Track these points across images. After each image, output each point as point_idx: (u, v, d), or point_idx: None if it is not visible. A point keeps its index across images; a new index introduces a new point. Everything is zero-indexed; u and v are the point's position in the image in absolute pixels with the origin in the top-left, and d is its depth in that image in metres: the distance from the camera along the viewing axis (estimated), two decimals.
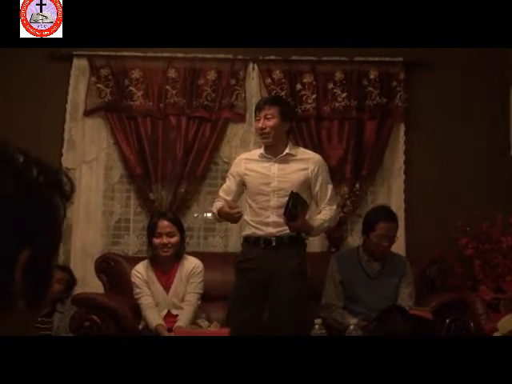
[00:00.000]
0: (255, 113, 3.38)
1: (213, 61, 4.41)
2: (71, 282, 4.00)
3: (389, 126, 4.43)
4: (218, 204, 3.37)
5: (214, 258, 4.11)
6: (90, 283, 4.18)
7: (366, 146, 4.41)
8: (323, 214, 3.33)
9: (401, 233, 4.03)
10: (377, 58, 4.41)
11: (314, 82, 4.40)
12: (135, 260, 3.81)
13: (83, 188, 4.35)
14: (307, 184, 3.31)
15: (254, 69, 4.46)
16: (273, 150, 3.33)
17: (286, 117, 3.34)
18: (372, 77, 4.41)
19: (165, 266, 3.57)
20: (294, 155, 3.33)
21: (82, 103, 4.39)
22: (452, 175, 4.44)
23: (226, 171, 4.10)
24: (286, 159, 3.32)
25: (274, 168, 3.30)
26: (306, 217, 3.22)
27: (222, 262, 3.99)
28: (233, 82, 4.40)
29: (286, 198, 3.12)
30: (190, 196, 4.40)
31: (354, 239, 4.38)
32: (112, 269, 3.98)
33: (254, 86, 4.46)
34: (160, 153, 4.35)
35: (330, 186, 3.39)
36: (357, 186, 4.37)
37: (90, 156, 4.38)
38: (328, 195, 3.35)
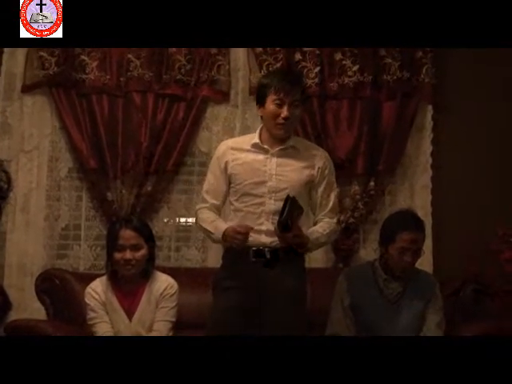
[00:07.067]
0: (271, 92, 3.17)
1: None
2: (4, 305, 4.02)
3: (412, 108, 4.40)
4: (217, 224, 3.21)
5: (189, 275, 4.04)
6: (28, 307, 4.19)
7: (383, 134, 4.37)
8: (320, 226, 3.28)
9: (427, 245, 3.98)
10: None
11: (318, 51, 4.37)
12: (87, 277, 3.77)
13: (21, 185, 4.32)
14: (309, 186, 3.28)
15: None
16: (271, 140, 3.26)
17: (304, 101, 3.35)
18: None
19: (128, 286, 3.52)
20: (297, 149, 3.27)
21: (19, 76, 4.35)
22: (492, 171, 4.37)
23: (205, 164, 4.19)
24: (287, 153, 3.25)
25: (271, 163, 3.23)
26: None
27: (198, 280, 3.93)
28: (214, 50, 4.36)
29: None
30: (158, 196, 4.38)
31: (368, 252, 4.38)
32: (57, 289, 3.95)
33: (240, 56, 4.43)
34: (120, 140, 4.31)
35: (335, 194, 3.37)
36: (371, 184, 4.36)
37: (29, 144, 4.36)
38: (330, 204, 3.33)
